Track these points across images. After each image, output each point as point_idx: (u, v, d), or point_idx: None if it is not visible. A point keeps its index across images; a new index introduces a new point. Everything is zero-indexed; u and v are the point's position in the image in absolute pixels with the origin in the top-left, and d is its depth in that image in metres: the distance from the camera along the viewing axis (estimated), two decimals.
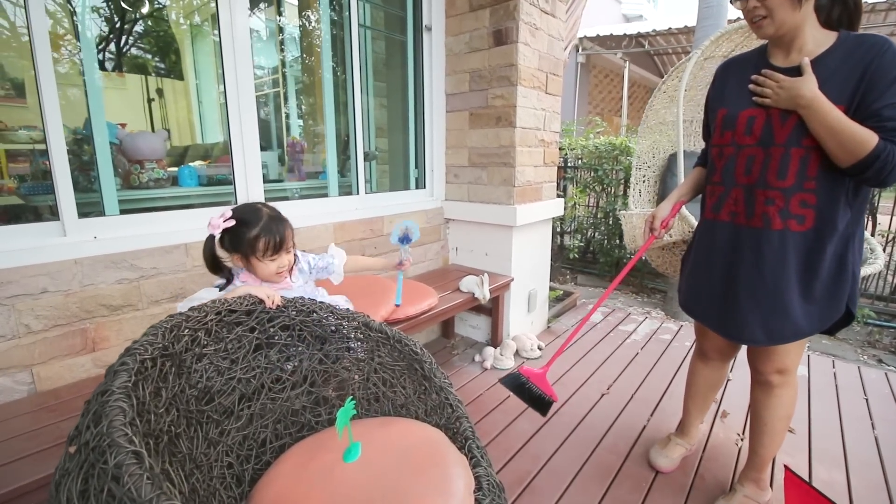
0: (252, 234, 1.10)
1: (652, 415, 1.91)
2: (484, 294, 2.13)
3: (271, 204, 1.23)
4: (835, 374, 2.26)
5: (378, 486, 0.90)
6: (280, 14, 3.57)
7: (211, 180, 1.90)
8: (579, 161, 4.48)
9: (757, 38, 1.86)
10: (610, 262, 4.41)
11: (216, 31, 1.60)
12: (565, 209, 4.24)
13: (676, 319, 3.16)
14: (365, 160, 2.22)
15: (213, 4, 1.60)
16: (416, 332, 1.93)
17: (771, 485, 1.44)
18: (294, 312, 1.16)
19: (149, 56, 4.25)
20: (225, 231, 1.11)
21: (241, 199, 1.75)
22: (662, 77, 10.35)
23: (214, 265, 1.13)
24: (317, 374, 1.20)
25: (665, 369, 2.31)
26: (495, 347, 2.42)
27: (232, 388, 1.02)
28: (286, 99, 3.56)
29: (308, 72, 3.19)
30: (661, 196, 2.30)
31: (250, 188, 1.76)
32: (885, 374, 2.27)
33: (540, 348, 2.48)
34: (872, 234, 3.25)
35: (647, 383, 2.16)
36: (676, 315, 3.43)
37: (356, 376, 1.24)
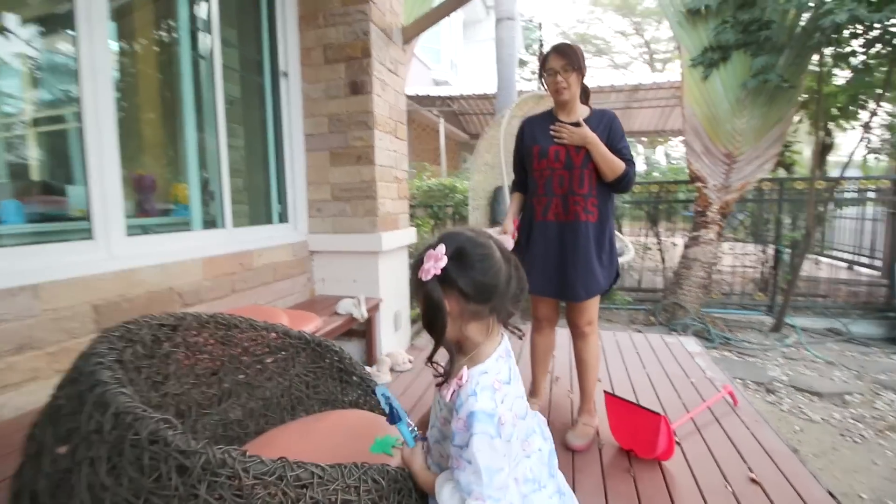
0: None
1: None
2: (362, 313, 2.31)
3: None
4: (617, 341, 3.14)
5: (340, 451, 1.03)
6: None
7: (44, 217, 1.64)
8: (415, 200, 5.04)
9: (543, 105, 2.65)
10: None
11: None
12: None
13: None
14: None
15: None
16: None
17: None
18: (213, 327, 1.20)
19: None
20: None
21: (100, 234, 1.60)
22: (466, 133, 12.05)
23: None
24: (241, 387, 1.24)
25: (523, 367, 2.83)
26: (370, 366, 2.59)
27: (168, 404, 1.01)
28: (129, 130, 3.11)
29: (154, 101, 2.92)
30: (491, 219, 2.90)
31: (110, 222, 1.62)
32: (644, 336, 3.26)
33: (410, 361, 2.74)
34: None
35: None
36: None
37: (278, 384, 1.31)
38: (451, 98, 8.03)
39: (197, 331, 1.14)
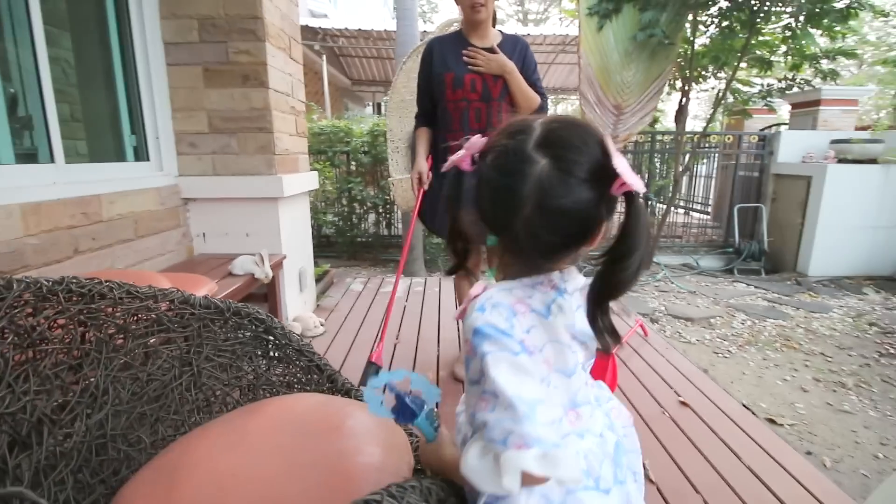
0: None
1: (439, 345, 2.21)
2: (266, 272, 1.90)
3: None
4: None
5: (298, 456, 0.75)
6: None
7: None
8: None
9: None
10: (346, 241, 4.60)
11: None
12: None
13: (415, 276, 3.66)
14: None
15: None
16: None
17: None
18: (64, 299, 0.76)
19: None
20: None
21: None
22: (349, 77, 11.09)
23: None
24: (120, 385, 0.84)
25: (431, 311, 2.68)
26: None
27: None
28: None
29: None
30: (413, 161, 2.61)
31: None
32: None
33: (322, 325, 2.41)
34: None
35: (423, 324, 2.47)
36: (414, 273, 3.97)
37: (180, 374, 0.93)
38: (333, 34, 7.16)
39: (34, 307, 0.71)
